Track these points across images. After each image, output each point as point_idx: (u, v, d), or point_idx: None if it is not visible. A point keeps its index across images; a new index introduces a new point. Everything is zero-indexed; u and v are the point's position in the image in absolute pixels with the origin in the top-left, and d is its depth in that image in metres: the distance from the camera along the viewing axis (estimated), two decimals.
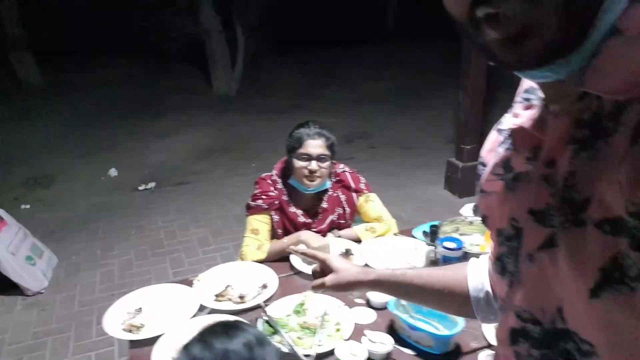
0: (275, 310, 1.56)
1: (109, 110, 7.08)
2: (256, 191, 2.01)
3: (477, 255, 1.67)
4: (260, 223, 1.98)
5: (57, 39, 8.49)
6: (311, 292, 1.59)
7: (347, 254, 1.89)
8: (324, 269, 1.13)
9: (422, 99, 7.66)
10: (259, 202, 1.98)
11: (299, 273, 1.82)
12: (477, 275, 0.88)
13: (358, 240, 2.00)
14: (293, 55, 9.59)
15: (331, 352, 1.36)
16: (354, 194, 2.08)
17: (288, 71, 9.06)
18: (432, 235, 1.67)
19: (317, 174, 1.92)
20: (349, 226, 2.10)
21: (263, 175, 2.07)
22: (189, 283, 1.72)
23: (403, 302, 1.47)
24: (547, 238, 0.55)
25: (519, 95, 0.64)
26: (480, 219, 0.74)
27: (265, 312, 1.53)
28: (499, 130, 0.68)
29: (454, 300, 0.91)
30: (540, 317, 0.58)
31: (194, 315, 1.55)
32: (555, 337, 0.56)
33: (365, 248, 1.92)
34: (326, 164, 1.94)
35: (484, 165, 0.70)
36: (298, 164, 1.92)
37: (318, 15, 10.23)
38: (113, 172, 5.19)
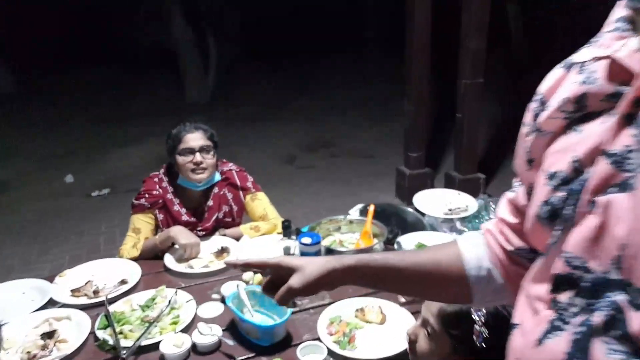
0: (123, 305, 1.56)
1: (74, 118, 7.11)
2: (141, 190, 2.03)
3: (337, 252, 1.68)
4: (142, 222, 1.99)
5: (31, 46, 8.54)
6: (164, 287, 1.61)
7: (222, 251, 1.90)
8: (280, 276, 0.82)
9: (390, 109, 7.70)
10: (142, 200, 1.99)
11: (168, 270, 1.82)
12: (474, 252, 0.79)
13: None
14: (267, 65, 9.64)
15: (157, 345, 1.36)
16: (240, 192, 2.09)
17: (261, 80, 9.12)
18: (285, 230, 1.68)
19: (203, 165, 1.94)
20: (236, 224, 2.11)
21: (151, 174, 2.08)
22: (51, 279, 1.73)
23: (242, 295, 1.48)
24: (620, 182, 0.50)
25: (609, 26, 0.58)
26: (527, 161, 0.67)
27: (106, 306, 1.53)
28: (570, 66, 0.61)
29: (446, 283, 0.80)
30: (594, 266, 0.53)
31: (38, 310, 1.55)
32: (604, 287, 0.51)
33: (241, 246, 1.93)
34: (210, 154, 1.96)
35: (543, 103, 0.64)
36: (182, 159, 1.94)
37: (295, 24, 10.31)
38: (69, 178, 5.20)
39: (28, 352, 1.32)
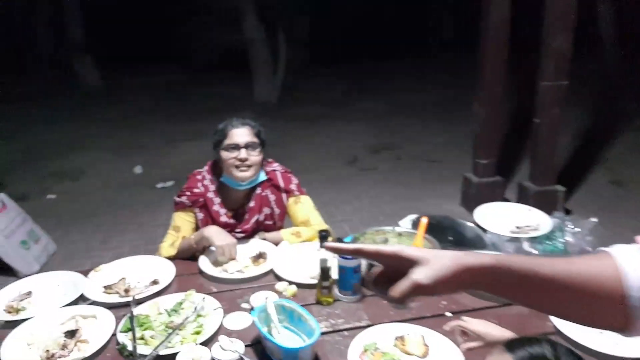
0: (150, 308, 1.50)
1: (149, 113, 7.45)
2: (183, 187, 1.97)
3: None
4: (182, 220, 1.93)
5: (115, 45, 9.12)
6: (193, 292, 1.52)
7: (259, 256, 1.79)
8: (395, 268, 0.67)
9: (460, 112, 7.30)
10: (183, 198, 1.94)
11: (201, 273, 1.74)
12: (638, 270, 0.64)
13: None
14: (334, 67, 9.58)
15: (174, 355, 1.27)
16: (283, 195, 1.97)
17: (327, 82, 9.06)
18: (322, 240, 1.52)
19: (248, 163, 1.85)
20: (278, 228, 1.99)
21: (195, 171, 2.03)
22: (86, 273, 1.71)
23: (270, 309, 1.35)
24: None
25: None
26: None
27: (132, 307, 1.47)
28: None
29: (600, 302, 0.65)
30: None
31: (69, 304, 1.52)
32: None
33: (280, 252, 1.81)
34: (256, 151, 1.86)
35: None
36: (226, 155, 1.85)
37: (362, 28, 10.16)
38: (138, 169, 5.42)
39: (47, 351, 1.28)
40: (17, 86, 8.15)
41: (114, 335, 1.38)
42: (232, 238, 1.78)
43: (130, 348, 1.28)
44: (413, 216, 1.98)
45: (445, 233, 1.90)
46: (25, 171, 5.25)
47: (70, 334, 1.36)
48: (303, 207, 1.97)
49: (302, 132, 6.56)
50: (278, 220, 2.00)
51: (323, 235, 1.50)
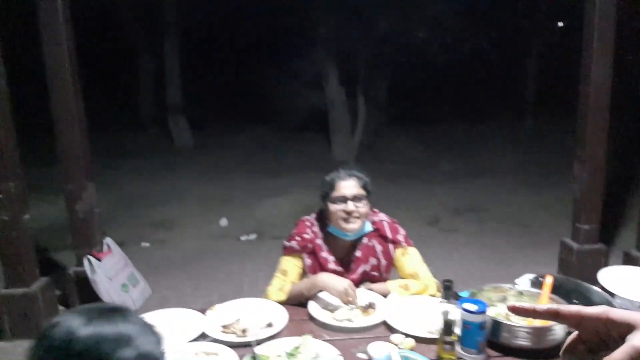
0: (269, 349, 1.50)
1: (235, 169, 7.85)
2: (293, 232, 2.01)
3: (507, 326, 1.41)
4: (290, 264, 1.96)
5: (206, 108, 9.92)
6: (309, 337, 1.51)
7: (368, 306, 1.75)
8: (596, 333, 0.58)
9: (551, 176, 6.98)
10: (293, 243, 1.97)
11: (313, 319, 1.73)
12: None
13: None
14: (413, 128, 9.68)
15: None
16: (390, 245, 1.95)
17: (406, 141, 9.13)
18: (446, 291, 1.46)
19: (355, 215, 1.86)
20: (383, 280, 1.95)
21: (303, 217, 2.07)
22: (204, 311, 1.76)
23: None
24: None
25: None
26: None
27: (254, 348, 1.48)
28: None
29: None
30: None
31: (193, 340, 1.56)
32: None
33: (391, 304, 1.76)
34: (363, 203, 1.88)
35: None
36: (334, 207, 1.89)
37: (444, 90, 10.27)
38: (224, 221, 5.65)
39: None
40: (121, 142, 9.00)
41: None
42: (346, 280, 1.77)
43: None
44: (531, 275, 1.86)
45: (569, 296, 1.75)
46: (123, 220, 5.65)
47: None
48: (411, 259, 1.93)
49: (380, 191, 6.52)
50: (384, 272, 1.96)
51: (447, 286, 1.44)
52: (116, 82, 10.50)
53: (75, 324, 0.79)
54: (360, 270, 1.93)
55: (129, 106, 10.43)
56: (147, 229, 5.46)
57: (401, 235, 1.97)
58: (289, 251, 1.97)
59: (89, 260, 3.20)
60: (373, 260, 1.94)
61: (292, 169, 7.76)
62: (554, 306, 0.61)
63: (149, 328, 0.85)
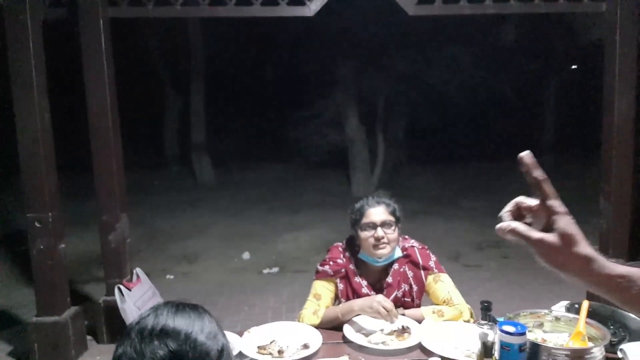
0: None
1: (256, 206, 7.97)
2: (326, 257, 2.06)
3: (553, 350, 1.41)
4: (323, 289, 1.99)
5: (228, 148, 10.21)
6: (347, 357, 1.53)
7: (403, 331, 1.76)
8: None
9: (573, 212, 6.89)
10: (326, 267, 2.01)
11: (348, 342, 1.75)
12: None
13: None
14: (431, 165, 9.75)
15: None
16: (422, 272, 1.97)
17: (424, 179, 9.17)
18: (485, 312, 1.47)
19: (384, 241, 1.91)
20: (416, 306, 1.97)
21: (335, 243, 2.12)
22: (241, 334, 1.79)
23: None
24: None
25: None
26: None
27: None
28: None
29: None
30: None
31: None
32: None
33: (425, 329, 1.77)
34: (392, 229, 1.92)
35: None
36: (364, 234, 1.93)
37: (462, 127, 10.38)
38: (246, 255, 5.70)
39: None
40: (146, 179, 9.24)
41: None
42: (378, 296, 1.80)
43: None
44: (565, 302, 1.86)
45: (605, 322, 1.75)
46: (149, 253, 5.75)
47: None
48: (444, 285, 1.95)
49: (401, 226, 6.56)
50: (416, 298, 1.98)
51: (485, 306, 1.46)
52: (143, 122, 10.91)
53: (166, 312, 0.86)
54: (392, 296, 1.95)
55: (154, 145, 10.78)
56: (171, 262, 5.53)
57: (432, 262, 2.00)
58: (322, 275, 2.01)
59: (119, 289, 3.26)
60: (405, 286, 1.97)
61: (312, 205, 7.84)
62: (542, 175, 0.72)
63: (220, 326, 0.92)
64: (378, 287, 1.99)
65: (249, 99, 11.03)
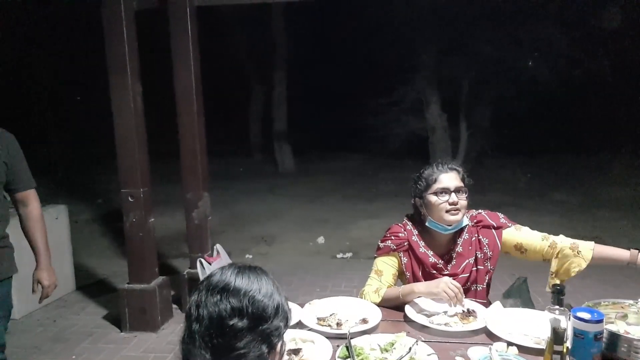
0: (363, 342, 1.52)
1: (332, 193, 8.06)
2: (386, 233, 2.02)
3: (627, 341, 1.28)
4: (385, 265, 1.97)
5: (308, 136, 10.41)
6: (405, 334, 1.52)
7: (468, 314, 1.70)
8: None
9: None
10: (388, 242, 1.97)
11: (409, 321, 1.71)
12: None
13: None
14: (519, 156, 9.16)
15: None
16: (495, 233, 1.91)
17: (511, 170, 8.65)
18: (556, 296, 1.35)
19: (458, 206, 1.85)
20: (489, 273, 1.92)
21: (393, 224, 2.07)
22: (302, 305, 1.84)
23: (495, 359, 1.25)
24: None
25: None
26: None
27: (349, 339, 1.51)
28: None
29: None
30: None
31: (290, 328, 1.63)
32: None
33: (491, 314, 1.68)
34: (464, 195, 1.87)
35: None
36: (437, 200, 1.87)
37: (556, 116, 9.61)
38: (321, 240, 5.80)
39: None
40: (231, 166, 9.74)
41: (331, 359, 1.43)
42: (445, 278, 1.75)
43: None
44: None
45: None
46: (230, 234, 6.06)
47: (294, 352, 1.45)
48: (529, 231, 1.93)
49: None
50: (491, 265, 1.91)
51: (558, 290, 1.35)
52: (230, 113, 11.48)
53: (230, 272, 0.98)
54: (463, 264, 1.89)
55: (240, 134, 11.31)
56: (251, 243, 5.79)
57: (503, 218, 1.96)
58: (383, 251, 1.98)
59: (201, 262, 3.49)
60: (478, 254, 1.91)
61: (388, 194, 7.75)
62: None
63: (278, 286, 1.00)
64: (447, 257, 1.93)
65: (329, 88, 11.14)
